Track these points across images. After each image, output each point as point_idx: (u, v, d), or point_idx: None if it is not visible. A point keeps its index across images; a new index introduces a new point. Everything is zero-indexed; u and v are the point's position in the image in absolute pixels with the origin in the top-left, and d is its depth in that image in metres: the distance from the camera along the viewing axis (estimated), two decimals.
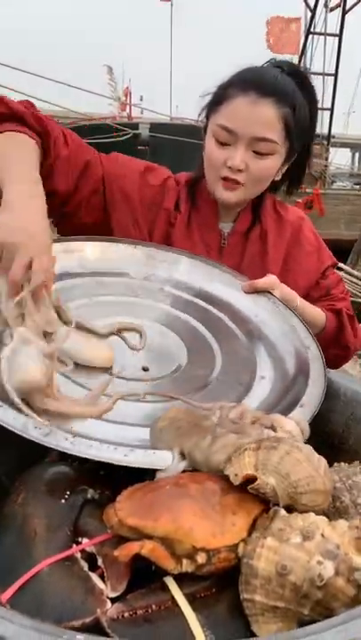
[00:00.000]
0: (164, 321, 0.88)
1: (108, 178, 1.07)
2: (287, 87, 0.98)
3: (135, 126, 8.52)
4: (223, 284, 0.96)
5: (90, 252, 0.94)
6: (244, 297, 0.93)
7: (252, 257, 1.11)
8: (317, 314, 1.05)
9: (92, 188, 1.05)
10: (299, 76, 1.02)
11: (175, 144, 7.53)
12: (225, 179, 1.01)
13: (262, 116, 0.95)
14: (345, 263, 3.90)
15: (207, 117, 1.04)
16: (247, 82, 0.97)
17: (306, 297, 1.10)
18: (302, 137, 1.03)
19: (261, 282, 0.95)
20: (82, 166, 1.03)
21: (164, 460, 0.58)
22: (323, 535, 0.49)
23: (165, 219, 1.11)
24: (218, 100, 1.00)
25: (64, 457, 0.64)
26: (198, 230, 1.11)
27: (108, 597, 0.47)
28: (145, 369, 0.78)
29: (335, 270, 1.23)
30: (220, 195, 1.04)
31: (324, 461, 0.58)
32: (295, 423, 0.65)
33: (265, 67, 1.04)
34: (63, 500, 0.55)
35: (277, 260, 1.12)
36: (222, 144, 0.99)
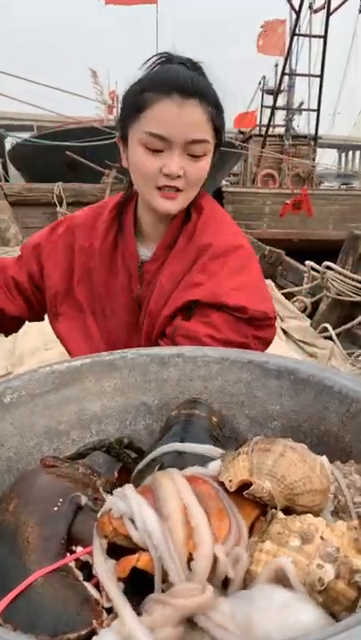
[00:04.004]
0: None
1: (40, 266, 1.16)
2: (206, 85, 0.94)
3: None
4: None
5: None
6: None
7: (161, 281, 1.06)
8: None
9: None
10: (200, 68, 0.98)
11: None
12: (162, 188, 0.96)
13: (191, 118, 0.91)
14: (335, 263, 3.91)
15: (125, 126, 0.98)
16: (166, 84, 0.91)
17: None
18: (223, 131, 1.00)
19: None
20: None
21: None
22: (322, 537, 0.48)
23: (84, 255, 1.10)
24: (138, 106, 0.93)
25: (56, 463, 0.63)
26: (122, 257, 1.09)
27: (103, 608, 0.45)
28: None
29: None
30: (161, 206, 0.98)
31: (319, 459, 0.58)
32: None
33: (172, 66, 0.97)
34: (56, 508, 0.53)
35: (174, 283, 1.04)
36: (154, 152, 0.93)
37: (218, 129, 0.97)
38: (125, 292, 1.09)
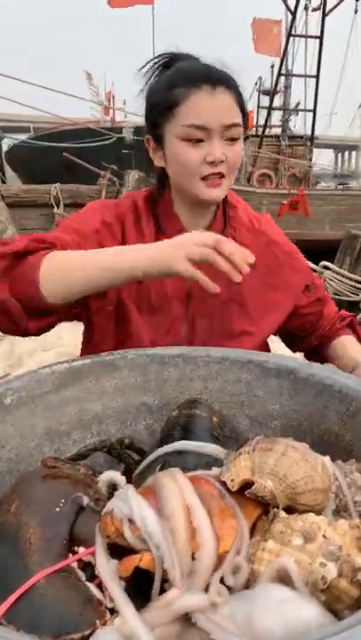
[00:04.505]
0: None
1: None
2: (225, 73, 0.99)
3: (119, 130, 8.54)
4: None
5: None
6: None
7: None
8: None
9: None
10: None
11: None
12: (207, 177, 0.98)
13: (224, 104, 0.96)
14: (332, 263, 3.92)
15: (158, 126, 1.00)
16: (194, 76, 0.95)
17: (293, 311, 1.13)
18: (247, 114, 1.05)
19: None
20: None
21: None
22: (324, 536, 0.48)
23: None
24: (170, 103, 0.96)
25: (57, 464, 0.63)
26: None
27: (106, 608, 0.45)
28: None
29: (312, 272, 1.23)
30: (208, 195, 1.00)
31: (321, 459, 0.58)
32: None
33: (190, 61, 1.02)
34: (58, 509, 0.53)
35: (255, 276, 1.05)
36: (195, 143, 0.96)
37: (243, 113, 1.01)
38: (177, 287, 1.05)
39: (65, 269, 0.87)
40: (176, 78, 0.97)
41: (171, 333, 1.04)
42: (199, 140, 0.96)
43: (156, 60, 1.03)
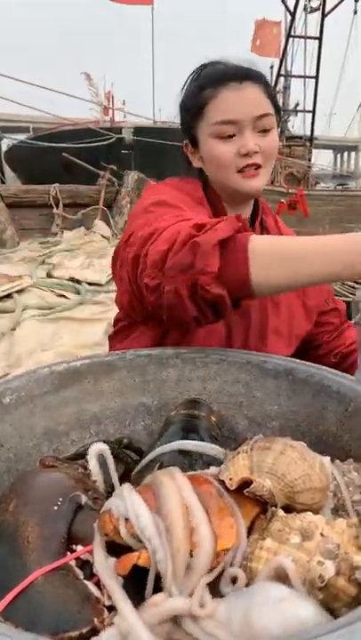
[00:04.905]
0: None
1: None
2: (250, 69, 1.01)
3: (119, 130, 8.53)
4: None
5: None
6: None
7: None
8: None
9: None
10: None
11: (159, 147, 7.56)
12: (243, 170, 0.99)
13: (252, 97, 0.97)
14: None
15: (192, 128, 1.03)
16: (220, 76, 0.98)
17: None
18: (278, 104, 1.06)
19: None
20: None
21: None
22: (322, 534, 0.48)
23: None
24: (199, 105, 0.99)
25: (56, 463, 0.63)
26: None
27: (104, 606, 0.45)
28: None
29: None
30: (247, 186, 1.00)
31: (319, 458, 0.58)
32: None
33: (218, 64, 1.04)
34: (56, 507, 0.53)
35: None
36: (226, 138, 0.98)
37: (274, 103, 1.02)
38: None
39: (276, 254, 0.75)
40: (204, 81, 1.00)
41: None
42: (231, 136, 0.98)
43: (192, 71, 1.06)
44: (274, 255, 0.74)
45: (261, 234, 1.11)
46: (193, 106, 1.01)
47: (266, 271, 0.73)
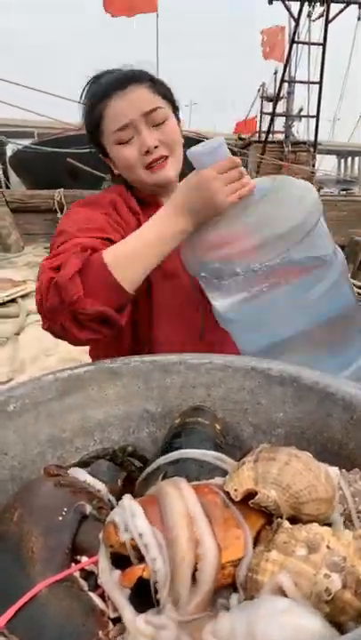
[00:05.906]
0: None
1: None
2: (132, 71, 1.05)
3: None
4: None
5: None
6: None
7: None
8: None
9: None
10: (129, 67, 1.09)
11: None
12: (150, 165, 1.05)
13: (138, 97, 1.02)
14: None
15: (97, 142, 1.11)
16: (104, 90, 1.04)
17: None
18: (172, 96, 1.10)
19: None
20: None
21: None
22: (328, 547, 0.47)
23: None
24: (95, 123, 1.07)
25: (60, 471, 0.63)
26: None
27: (109, 618, 0.45)
28: None
29: None
30: (158, 177, 1.06)
31: (324, 468, 0.57)
32: None
33: (105, 77, 1.08)
34: (61, 517, 0.53)
35: None
36: (127, 143, 1.04)
37: (165, 96, 1.07)
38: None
39: (125, 257, 0.88)
40: (93, 99, 1.06)
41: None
42: (130, 139, 1.04)
43: (86, 85, 1.12)
44: (127, 256, 0.87)
45: None
46: (90, 124, 1.09)
47: (127, 271, 0.86)
